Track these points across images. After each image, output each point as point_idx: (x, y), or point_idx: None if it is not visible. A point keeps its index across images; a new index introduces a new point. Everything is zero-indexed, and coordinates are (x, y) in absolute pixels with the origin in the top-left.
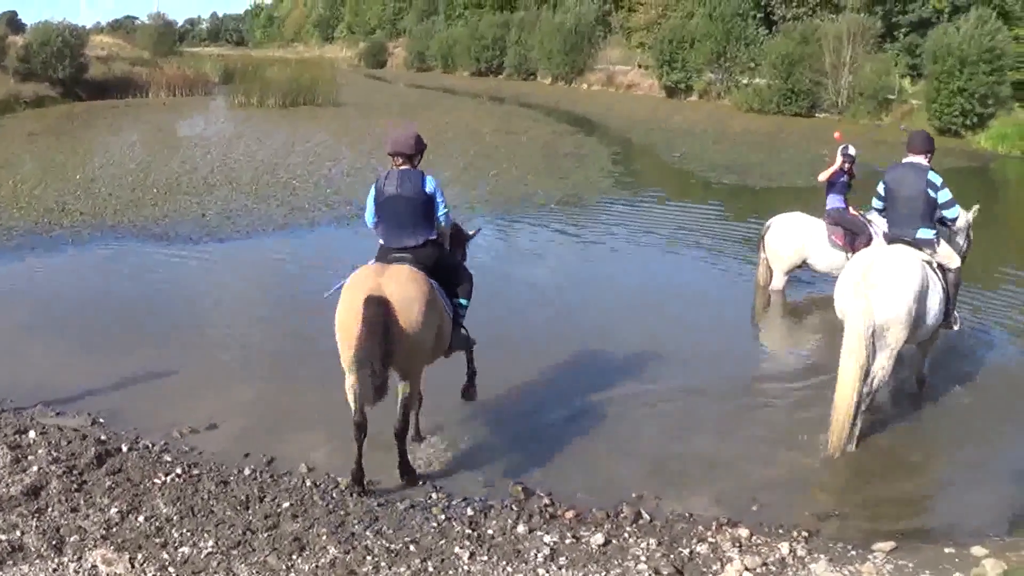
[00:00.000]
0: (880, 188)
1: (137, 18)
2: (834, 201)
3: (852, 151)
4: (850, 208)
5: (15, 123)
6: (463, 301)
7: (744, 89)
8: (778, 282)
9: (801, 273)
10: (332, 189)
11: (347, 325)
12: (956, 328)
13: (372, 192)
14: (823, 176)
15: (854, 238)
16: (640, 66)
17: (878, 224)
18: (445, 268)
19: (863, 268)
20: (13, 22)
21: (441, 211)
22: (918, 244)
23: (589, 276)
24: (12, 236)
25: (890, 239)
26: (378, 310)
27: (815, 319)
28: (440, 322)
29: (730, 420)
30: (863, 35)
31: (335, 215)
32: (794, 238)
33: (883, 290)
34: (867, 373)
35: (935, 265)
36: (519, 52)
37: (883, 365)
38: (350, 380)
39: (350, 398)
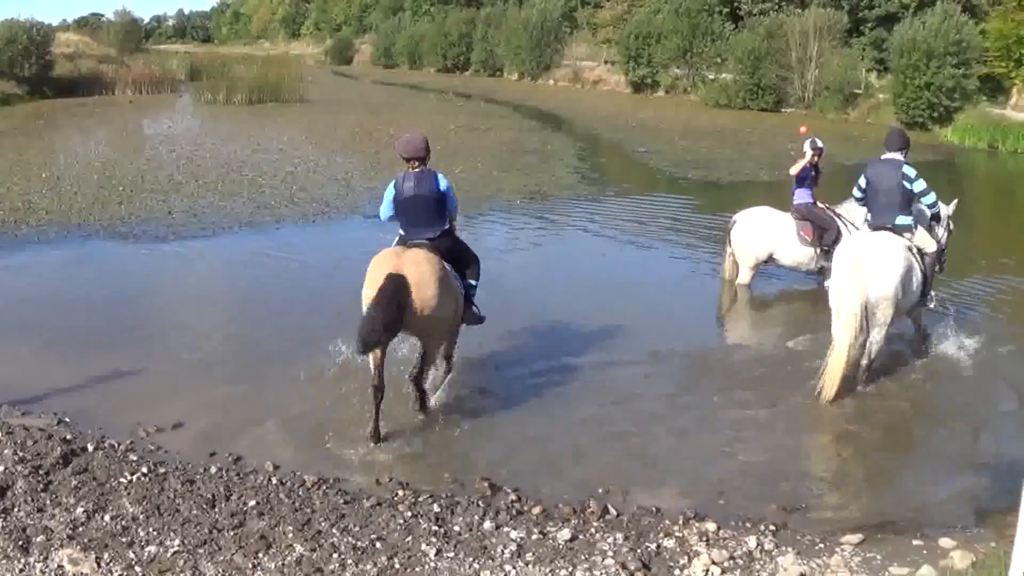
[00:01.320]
0: (861, 181)
1: (103, 15)
2: (802, 196)
3: (820, 144)
4: (817, 203)
5: None
6: (473, 282)
7: (710, 84)
8: (744, 277)
9: (767, 267)
10: (298, 186)
11: (366, 286)
12: (931, 305)
13: (392, 191)
14: (794, 169)
15: (822, 233)
16: (606, 62)
17: (847, 218)
18: (457, 253)
19: (855, 253)
20: None
21: (453, 205)
22: (898, 230)
23: (554, 271)
24: None
25: (873, 227)
26: (394, 284)
27: (781, 313)
28: (454, 299)
29: (696, 414)
30: (829, 30)
31: (301, 212)
32: (761, 233)
33: (874, 272)
34: (863, 345)
35: (915, 249)
36: (485, 48)
37: (877, 339)
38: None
39: (371, 364)
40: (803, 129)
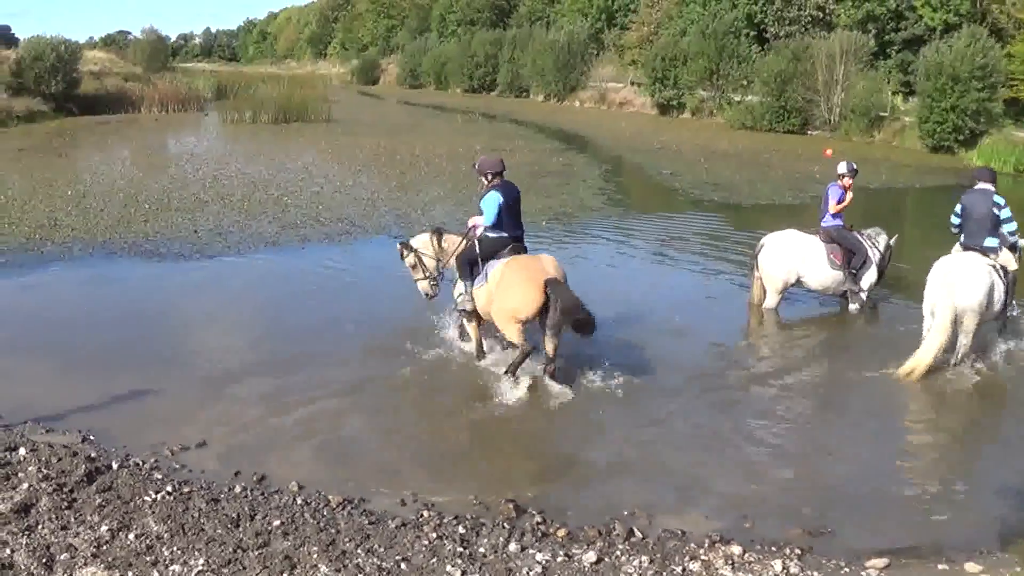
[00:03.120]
0: (957, 208)
1: (130, 33)
2: (832, 219)
3: (855, 166)
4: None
5: (6, 138)
6: None
7: (736, 106)
8: (772, 300)
9: (795, 291)
10: (323, 206)
11: (531, 298)
12: (1015, 314)
13: (499, 200)
14: (841, 206)
15: (851, 256)
16: (632, 83)
17: (870, 240)
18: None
19: (946, 270)
20: (6, 36)
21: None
22: (986, 251)
23: (578, 292)
24: (1, 252)
25: (965, 247)
26: (562, 286)
27: (809, 338)
28: None
29: (722, 437)
30: (855, 53)
31: (326, 232)
32: (789, 256)
33: (963, 286)
34: (952, 347)
35: (998, 267)
36: (511, 69)
37: (964, 343)
38: (517, 329)
39: (521, 340)
40: (828, 152)
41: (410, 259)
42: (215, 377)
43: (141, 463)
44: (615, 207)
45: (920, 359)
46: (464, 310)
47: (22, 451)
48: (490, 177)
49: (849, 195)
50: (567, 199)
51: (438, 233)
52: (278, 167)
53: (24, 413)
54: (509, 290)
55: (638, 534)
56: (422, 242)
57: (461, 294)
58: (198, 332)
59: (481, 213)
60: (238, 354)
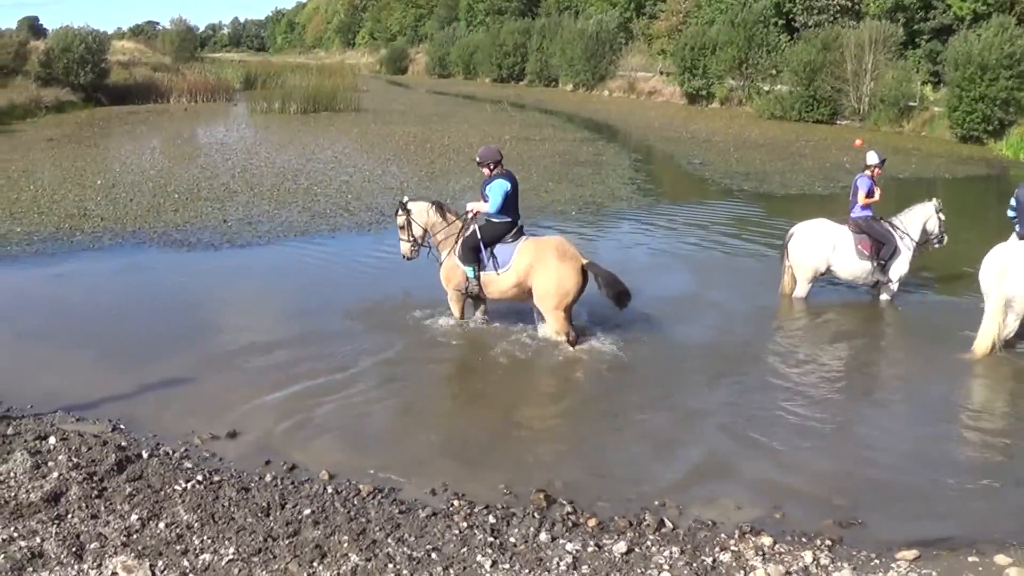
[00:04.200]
0: (1012, 201)
1: (159, 23)
2: (861, 210)
3: (882, 156)
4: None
5: (36, 128)
6: None
7: (765, 96)
8: (802, 290)
9: (825, 280)
10: (353, 195)
11: (577, 280)
12: None
13: (507, 188)
14: (871, 200)
15: (880, 247)
16: (661, 73)
17: (903, 229)
18: None
19: (999, 258)
20: (34, 27)
21: None
22: None
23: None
24: (32, 241)
25: (1020, 236)
26: (596, 263)
27: (840, 327)
28: None
29: (753, 425)
30: (884, 42)
31: (356, 221)
32: (819, 246)
33: (1015, 273)
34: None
35: None
36: (540, 59)
37: (1013, 324)
38: (563, 315)
39: (567, 325)
40: (859, 142)
41: (401, 219)
42: (245, 366)
43: (171, 452)
44: (645, 196)
45: (982, 344)
46: (466, 292)
47: (52, 440)
48: (492, 167)
49: (878, 190)
50: (597, 188)
51: (437, 206)
52: (307, 156)
53: (54, 402)
54: (551, 275)
55: (668, 524)
56: (419, 208)
57: (468, 277)
58: (228, 322)
59: (485, 199)
60: (268, 344)
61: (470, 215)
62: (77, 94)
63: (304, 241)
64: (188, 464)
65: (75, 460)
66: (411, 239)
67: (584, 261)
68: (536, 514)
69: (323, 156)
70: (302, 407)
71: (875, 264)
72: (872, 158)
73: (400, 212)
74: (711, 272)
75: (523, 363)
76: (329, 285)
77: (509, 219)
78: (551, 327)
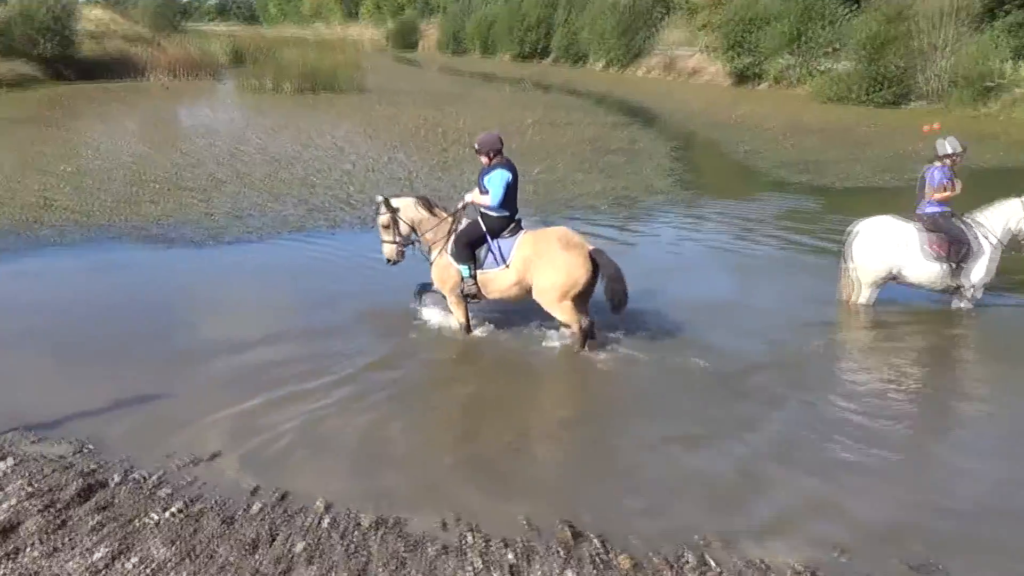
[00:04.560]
0: None
1: None
2: (931, 205)
3: (963, 143)
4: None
5: None
6: None
7: (824, 75)
8: (865, 296)
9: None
10: (355, 187)
11: (584, 269)
12: None
13: (508, 178)
14: (945, 194)
15: (954, 247)
16: (704, 50)
17: (985, 226)
18: None
19: None
20: None
21: None
22: None
23: (646, 288)
24: None
25: None
26: (605, 254)
27: (911, 338)
28: None
29: (810, 457)
30: (962, 13)
31: (359, 216)
32: (884, 247)
33: None
34: None
35: None
36: (567, 34)
37: None
38: (570, 306)
39: (576, 316)
40: (935, 126)
41: (385, 218)
42: (232, 379)
43: (145, 477)
44: (685, 189)
45: None
46: (463, 293)
47: (7, 463)
48: (492, 155)
49: (958, 183)
50: (631, 180)
51: (424, 201)
52: (304, 142)
53: (11, 420)
54: (556, 266)
55: (713, 565)
56: (404, 205)
57: (463, 278)
58: (212, 328)
59: (484, 191)
60: (257, 354)
61: (462, 208)
62: (40, 68)
63: (300, 238)
64: (164, 491)
65: (33, 487)
66: (396, 239)
67: (591, 247)
68: (561, 551)
69: (322, 142)
70: (295, 424)
71: (950, 267)
72: (948, 146)
73: (383, 211)
74: (760, 276)
75: (541, 373)
76: (328, 286)
77: (507, 213)
78: (560, 320)
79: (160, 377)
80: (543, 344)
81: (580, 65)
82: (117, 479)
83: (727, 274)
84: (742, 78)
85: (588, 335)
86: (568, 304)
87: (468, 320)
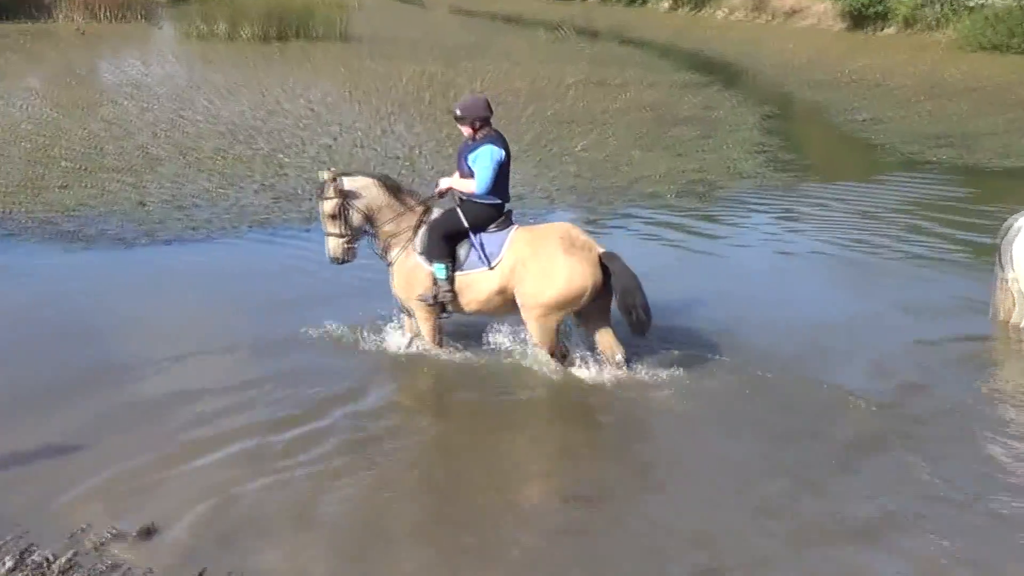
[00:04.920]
0: None
1: None
2: None
3: None
4: None
5: None
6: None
7: (975, 14)
8: None
9: None
10: (339, 167)
11: (587, 277)
12: None
13: (501, 157)
14: None
15: None
16: None
17: None
18: None
19: None
20: None
21: None
22: None
23: (732, 305)
24: None
25: None
26: (619, 259)
27: None
28: None
29: (945, 513)
30: None
31: None
32: None
33: None
34: None
35: None
36: None
37: None
38: (555, 326)
39: (556, 342)
40: None
41: (331, 203)
42: (167, 422)
43: (49, 560)
44: (781, 171)
45: None
46: (431, 300)
47: None
48: (478, 125)
49: None
50: (708, 159)
51: (388, 184)
52: (270, 108)
53: None
54: (554, 271)
55: None
56: (359, 187)
57: (436, 282)
58: (142, 361)
59: (467, 171)
60: (202, 388)
61: (437, 195)
62: None
63: (265, 236)
64: None
65: None
66: (345, 232)
67: (601, 250)
68: None
69: (293, 108)
70: (252, 485)
71: None
72: None
73: (329, 192)
74: (883, 285)
75: (548, 409)
76: (297, 302)
77: (497, 201)
78: (535, 338)
79: (72, 424)
80: (552, 376)
81: (638, 4)
82: (10, 563)
83: (841, 288)
84: (859, 20)
85: (563, 362)
86: (554, 322)
87: (437, 336)
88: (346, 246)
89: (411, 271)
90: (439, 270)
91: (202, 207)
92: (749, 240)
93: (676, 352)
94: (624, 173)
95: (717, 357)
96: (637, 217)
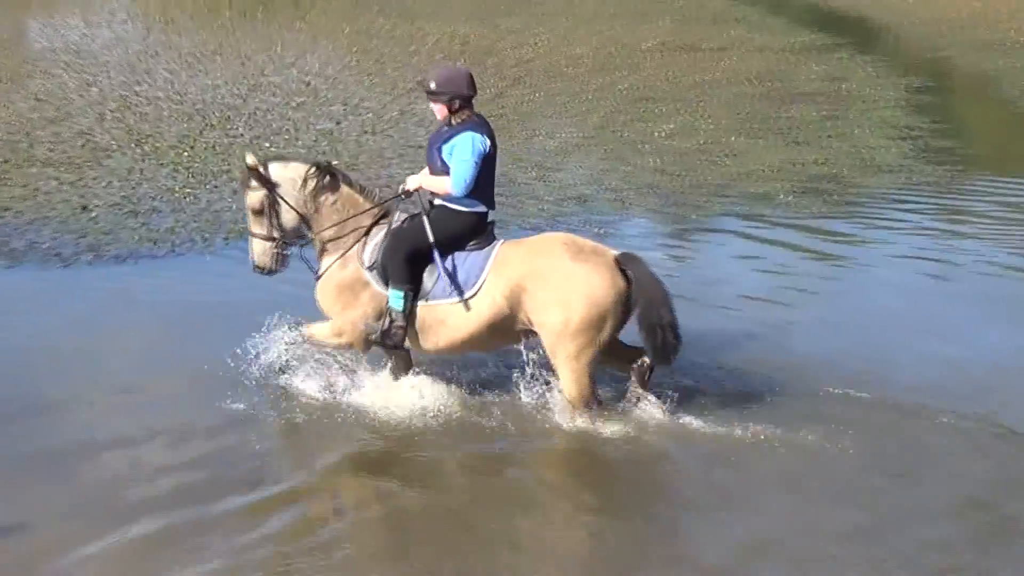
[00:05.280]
0: None
1: None
2: None
3: None
4: None
5: None
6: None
7: None
8: None
9: None
10: (342, 160)
11: (604, 287)
12: None
13: (481, 148)
14: None
15: None
16: None
17: None
18: None
19: None
20: None
21: None
22: None
23: (866, 334)
24: None
25: None
26: (641, 262)
27: None
28: None
29: None
30: None
31: None
32: None
33: None
34: None
35: None
36: None
37: None
38: (592, 361)
39: (592, 391)
40: None
41: (257, 196)
42: (122, 489)
43: None
44: (934, 164)
45: None
46: (378, 336)
47: None
48: (457, 106)
49: None
50: (834, 148)
51: (330, 173)
52: (252, 81)
53: None
54: (571, 287)
55: None
56: (291, 177)
57: (391, 312)
58: (89, 404)
59: (440, 167)
60: (166, 447)
61: (403, 195)
62: None
63: (245, 250)
64: None
65: None
66: (273, 234)
67: (616, 252)
68: None
69: (282, 81)
70: (207, 569)
71: None
72: None
73: (252, 183)
74: None
75: (565, 467)
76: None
77: (480, 207)
78: (566, 385)
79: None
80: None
81: None
82: None
83: (1012, 320)
84: None
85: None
86: (589, 359)
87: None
88: (274, 251)
89: (348, 289)
90: (396, 299)
91: (164, 213)
92: (891, 255)
93: (813, 404)
94: (722, 167)
95: (863, 394)
96: (740, 226)
